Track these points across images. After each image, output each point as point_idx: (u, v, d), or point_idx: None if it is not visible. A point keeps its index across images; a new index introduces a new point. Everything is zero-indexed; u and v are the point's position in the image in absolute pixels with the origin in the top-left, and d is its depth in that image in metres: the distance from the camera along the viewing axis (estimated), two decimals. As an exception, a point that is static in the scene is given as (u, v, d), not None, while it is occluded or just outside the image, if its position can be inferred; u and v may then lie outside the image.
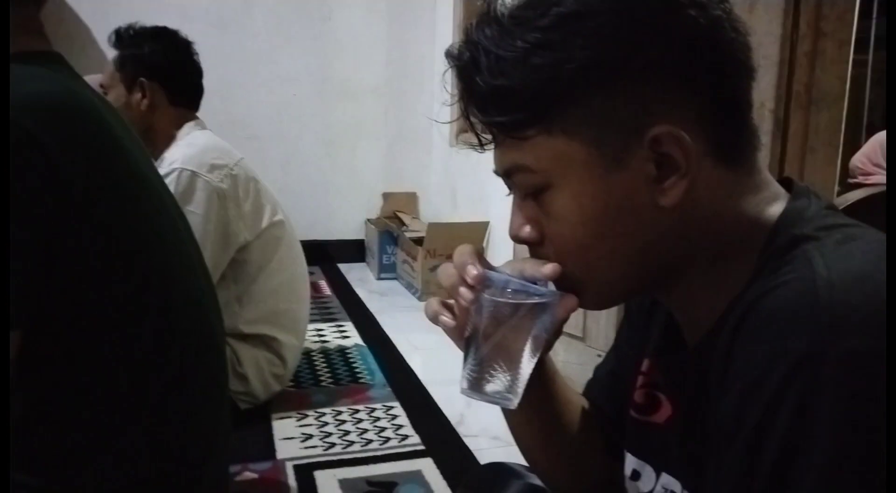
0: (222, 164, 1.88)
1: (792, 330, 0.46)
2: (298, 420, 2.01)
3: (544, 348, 0.64)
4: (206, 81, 2.02)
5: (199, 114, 2.03)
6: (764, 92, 1.57)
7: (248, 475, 1.72)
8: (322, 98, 3.90)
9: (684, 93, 0.55)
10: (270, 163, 3.59)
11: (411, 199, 4.12)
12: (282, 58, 3.79)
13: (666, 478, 0.66)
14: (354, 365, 2.47)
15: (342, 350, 2.61)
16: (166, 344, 0.92)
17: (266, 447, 1.85)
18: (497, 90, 0.56)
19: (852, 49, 1.59)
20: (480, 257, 0.63)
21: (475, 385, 0.60)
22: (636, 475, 0.70)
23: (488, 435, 1.96)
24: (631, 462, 0.71)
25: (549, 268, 0.59)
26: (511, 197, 0.63)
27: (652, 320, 0.72)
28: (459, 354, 0.62)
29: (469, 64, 0.57)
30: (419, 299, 3.31)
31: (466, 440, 1.94)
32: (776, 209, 0.58)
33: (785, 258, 0.52)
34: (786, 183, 0.62)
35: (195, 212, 1.78)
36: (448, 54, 0.60)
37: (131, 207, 0.90)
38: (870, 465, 0.43)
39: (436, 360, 2.49)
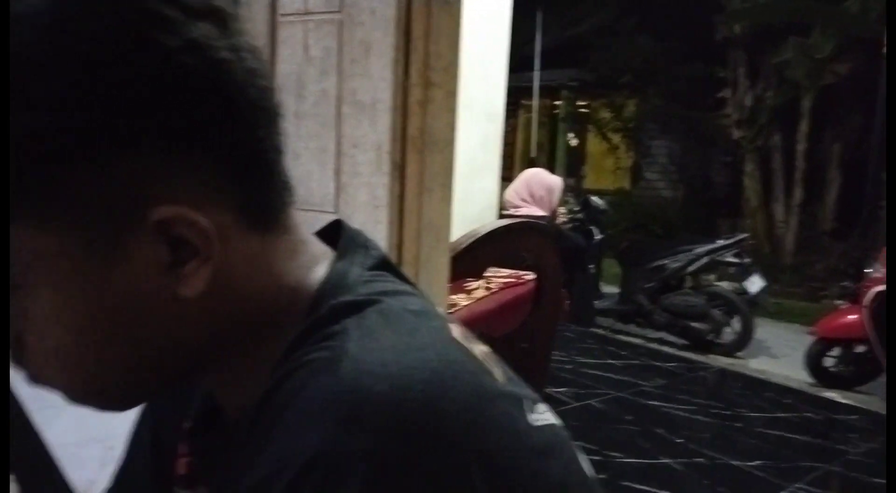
0: None
1: (306, 424, 0.40)
2: None
3: None
4: None
5: None
6: (381, 135, 1.66)
7: None
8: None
9: (191, 157, 0.45)
10: None
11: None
12: None
13: None
14: None
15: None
16: None
17: None
18: None
19: (458, 99, 1.76)
20: None
21: None
22: None
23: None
24: None
25: None
26: None
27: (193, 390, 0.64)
28: None
29: None
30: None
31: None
32: (318, 274, 0.52)
33: (325, 333, 0.46)
34: (334, 230, 0.57)
35: None
36: None
37: None
38: None
39: None
